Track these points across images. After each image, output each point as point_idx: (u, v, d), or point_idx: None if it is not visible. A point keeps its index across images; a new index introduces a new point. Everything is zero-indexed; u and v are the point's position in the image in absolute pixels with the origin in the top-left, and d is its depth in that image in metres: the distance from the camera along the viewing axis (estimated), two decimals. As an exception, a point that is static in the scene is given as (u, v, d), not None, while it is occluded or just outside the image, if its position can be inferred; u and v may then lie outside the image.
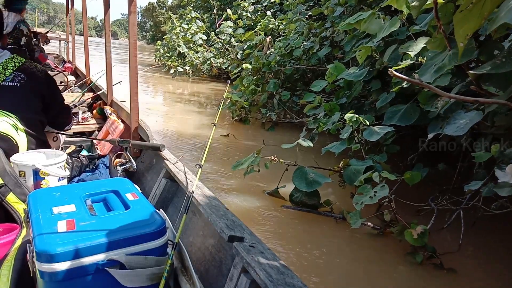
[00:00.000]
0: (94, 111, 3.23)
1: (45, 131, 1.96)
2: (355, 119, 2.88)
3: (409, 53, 2.69)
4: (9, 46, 3.47)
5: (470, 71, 1.60)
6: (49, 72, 4.26)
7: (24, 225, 1.30)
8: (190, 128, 5.94)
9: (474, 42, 1.69)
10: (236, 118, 6.18)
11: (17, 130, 1.66)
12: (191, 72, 12.00)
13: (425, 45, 2.64)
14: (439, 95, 2.58)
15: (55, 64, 5.58)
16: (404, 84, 2.87)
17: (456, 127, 2.07)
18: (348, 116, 2.93)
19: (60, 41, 8.23)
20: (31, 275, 1.03)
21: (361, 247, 2.58)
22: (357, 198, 2.38)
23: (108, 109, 3.00)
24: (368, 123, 2.89)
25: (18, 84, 1.75)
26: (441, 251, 2.36)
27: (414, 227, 2.27)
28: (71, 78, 5.00)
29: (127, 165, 2.19)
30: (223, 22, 11.06)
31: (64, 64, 6.17)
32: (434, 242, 2.40)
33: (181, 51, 12.29)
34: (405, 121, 2.88)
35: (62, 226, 1.04)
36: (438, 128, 2.53)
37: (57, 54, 7.55)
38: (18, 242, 1.18)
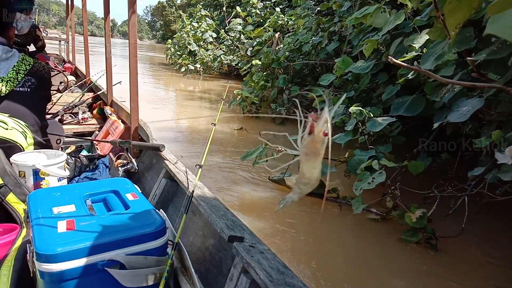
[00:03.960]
0: (94, 111, 3.23)
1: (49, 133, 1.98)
2: (359, 111, 2.96)
3: (413, 45, 2.76)
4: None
5: (469, 58, 1.67)
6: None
7: (24, 225, 1.29)
8: (201, 124, 6.08)
9: (473, 30, 1.76)
10: (246, 113, 6.30)
11: (26, 138, 1.67)
12: (201, 69, 12.14)
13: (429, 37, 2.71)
14: (444, 85, 2.65)
15: (55, 64, 5.53)
16: (410, 76, 2.94)
17: (459, 114, 2.13)
18: (352, 108, 3.01)
19: (60, 41, 8.18)
20: (31, 275, 1.03)
21: (366, 230, 2.68)
22: (357, 184, 2.48)
23: (108, 109, 2.99)
24: (372, 115, 2.97)
25: (29, 90, 1.76)
26: (445, 236, 2.44)
27: (414, 211, 2.35)
28: (71, 78, 4.93)
29: (128, 166, 2.22)
30: (233, 19, 11.17)
31: (64, 64, 6.12)
32: (439, 229, 2.47)
33: (192, 49, 12.43)
34: (411, 111, 2.94)
35: (62, 226, 1.03)
36: (443, 117, 2.59)
37: (57, 54, 7.41)
38: (18, 242, 1.18)
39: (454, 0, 0.95)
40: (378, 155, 2.72)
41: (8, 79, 1.69)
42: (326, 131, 0.59)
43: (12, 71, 1.71)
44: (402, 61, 2.55)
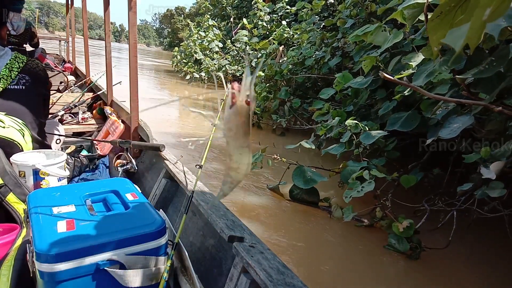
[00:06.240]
0: (94, 111, 3.25)
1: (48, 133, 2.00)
2: (355, 124, 3.06)
3: (410, 63, 2.86)
4: (10, 46, 3.25)
5: (457, 76, 1.76)
6: (49, 72, 4.31)
7: (24, 225, 1.29)
8: (201, 129, 6.17)
9: (463, 51, 1.85)
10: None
11: (23, 136, 1.66)
12: (206, 78, 12.29)
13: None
14: (438, 103, 2.74)
15: (55, 64, 5.44)
16: (406, 92, 3.03)
17: (450, 130, 2.23)
18: (348, 122, 3.11)
19: (60, 41, 8.19)
20: (31, 275, 1.02)
21: (355, 238, 2.75)
22: (347, 192, 2.57)
23: (108, 109, 3.01)
24: (367, 129, 3.06)
25: (23, 87, 1.75)
26: (431, 248, 2.50)
27: (402, 221, 2.43)
28: (71, 78, 4.97)
29: (127, 166, 2.22)
30: (239, 30, 11.35)
31: (64, 64, 6.16)
32: (427, 241, 2.54)
33: (198, 58, 12.59)
34: (406, 126, 3.03)
35: (62, 226, 1.03)
36: (437, 134, 2.68)
37: (57, 54, 7.43)
38: (18, 242, 1.17)
39: (435, 18, 1.03)
40: (370, 166, 2.81)
41: (0, 76, 1.69)
42: (249, 100, 0.53)
43: (4, 69, 1.71)
44: (398, 78, 2.64)
